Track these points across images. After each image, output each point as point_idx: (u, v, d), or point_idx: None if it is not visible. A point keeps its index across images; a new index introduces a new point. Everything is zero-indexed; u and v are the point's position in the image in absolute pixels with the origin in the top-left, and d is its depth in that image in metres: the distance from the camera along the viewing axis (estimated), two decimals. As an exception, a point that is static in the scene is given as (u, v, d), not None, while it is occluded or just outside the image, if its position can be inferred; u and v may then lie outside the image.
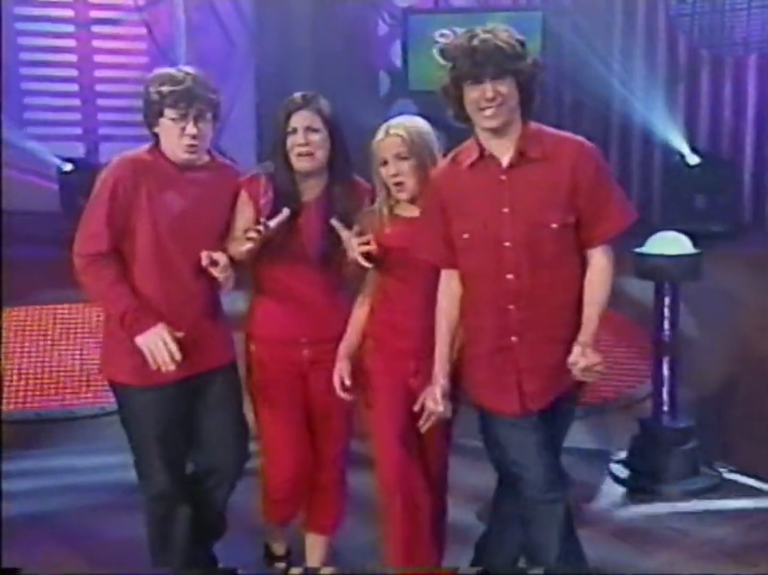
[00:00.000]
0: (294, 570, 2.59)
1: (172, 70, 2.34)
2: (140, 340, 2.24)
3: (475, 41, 2.04)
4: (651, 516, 3.16)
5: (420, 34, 6.08)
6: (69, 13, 6.07)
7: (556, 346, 2.14)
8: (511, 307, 2.13)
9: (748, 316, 4.17)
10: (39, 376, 4.26)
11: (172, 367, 2.23)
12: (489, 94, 2.03)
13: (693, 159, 5.39)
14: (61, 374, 4.26)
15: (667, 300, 3.42)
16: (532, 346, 2.15)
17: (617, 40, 5.94)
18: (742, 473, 3.45)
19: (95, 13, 6.14)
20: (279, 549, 2.67)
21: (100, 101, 6.19)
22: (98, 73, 6.18)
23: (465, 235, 2.15)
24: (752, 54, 5.67)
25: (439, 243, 2.21)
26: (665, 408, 3.46)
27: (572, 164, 2.09)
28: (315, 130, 2.33)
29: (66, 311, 4.35)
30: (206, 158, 2.39)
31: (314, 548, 2.61)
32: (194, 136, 2.28)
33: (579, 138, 2.16)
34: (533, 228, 2.09)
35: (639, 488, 3.30)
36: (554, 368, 2.14)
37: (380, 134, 2.28)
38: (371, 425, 2.38)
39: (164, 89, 2.26)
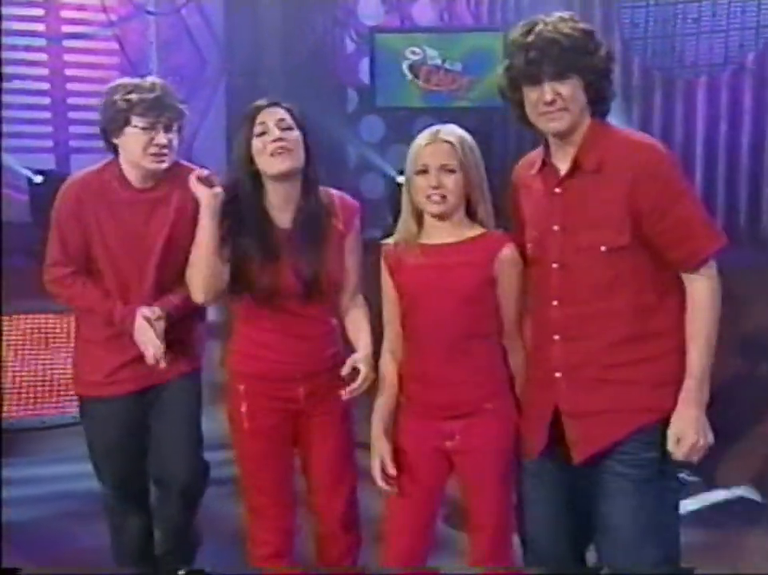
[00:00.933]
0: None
1: (137, 79, 2.22)
2: (136, 337, 2.20)
3: (530, 36, 1.74)
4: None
5: (386, 52, 6.09)
6: (40, 27, 5.96)
7: (608, 388, 1.76)
8: (556, 337, 1.81)
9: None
10: (9, 386, 4.17)
11: (163, 364, 2.18)
12: (548, 97, 1.73)
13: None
14: (32, 383, 4.17)
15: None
16: (575, 385, 1.80)
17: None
18: (700, 477, 3.50)
19: (67, 28, 6.03)
20: None
21: (72, 114, 6.07)
22: (70, 87, 6.07)
23: (529, 245, 1.87)
24: (701, 77, 5.78)
25: (516, 234, 1.90)
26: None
27: (631, 177, 1.72)
28: (289, 127, 2.03)
29: (37, 321, 4.26)
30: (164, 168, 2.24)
31: None
32: (163, 146, 2.16)
33: (648, 143, 1.77)
34: (580, 251, 1.77)
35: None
36: (598, 414, 1.77)
37: (425, 138, 1.89)
38: (393, 494, 1.99)
39: (133, 96, 2.14)
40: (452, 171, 1.87)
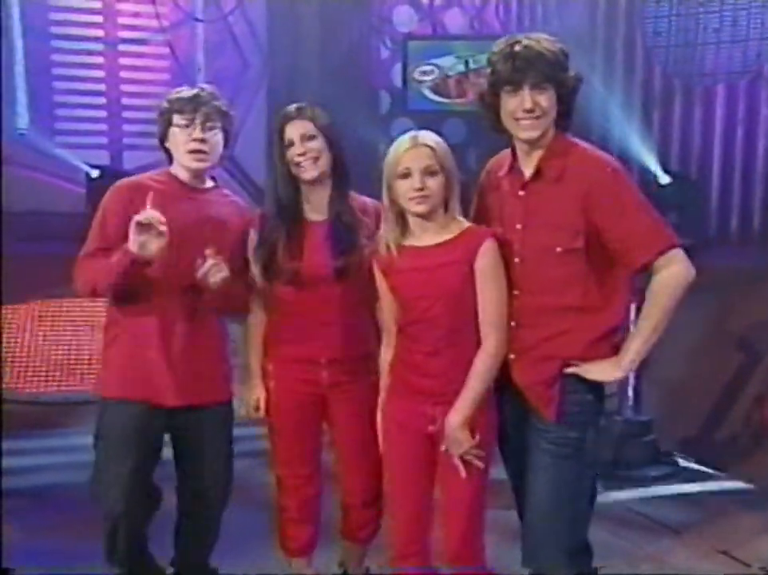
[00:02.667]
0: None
1: (186, 87, 2.24)
2: (132, 245, 2.01)
3: (517, 47, 1.82)
4: (613, 498, 3.28)
5: (418, 58, 6.16)
6: (99, 33, 6.19)
7: (553, 364, 1.89)
8: (512, 323, 1.93)
9: (708, 323, 4.27)
10: (63, 362, 4.37)
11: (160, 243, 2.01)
12: (528, 105, 1.81)
13: (664, 179, 5.49)
14: (81, 360, 4.35)
15: (631, 306, 3.53)
16: (524, 365, 1.93)
17: (598, 68, 6.03)
18: (697, 463, 3.56)
19: (123, 34, 6.25)
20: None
21: (125, 114, 6.29)
22: (124, 88, 6.28)
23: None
24: (719, 84, 5.78)
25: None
26: (629, 403, 3.58)
27: (586, 188, 1.82)
28: (311, 137, 2.14)
29: (90, 304, 4.43)
30: (210, 183, 2.24)
31: (350, 553, 2.44)
32: (201, 141, 2.13)
33: (605, 159, 1.88)
34: (539, 249, 1.88)
35: (604, 474, 3.41)
36: (545, 383, 1.90)
37: (405, 143, 1.91)
38: (384, 476, 2.09)
39: (174, 97, 2.19)
40: (434, 173, 1.89)
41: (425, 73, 5.48)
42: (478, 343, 1.94)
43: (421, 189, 1.87)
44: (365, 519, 2.33)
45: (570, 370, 1.87)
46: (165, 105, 2.18)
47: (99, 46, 6.17)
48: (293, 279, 2.14)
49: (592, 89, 5.90)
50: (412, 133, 1.94)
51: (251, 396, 2.26)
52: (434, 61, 5.42)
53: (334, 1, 6.34)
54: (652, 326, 1.83)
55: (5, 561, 2.41)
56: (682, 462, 3.56)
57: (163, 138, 2.21)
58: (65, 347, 4.40)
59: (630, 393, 3.59)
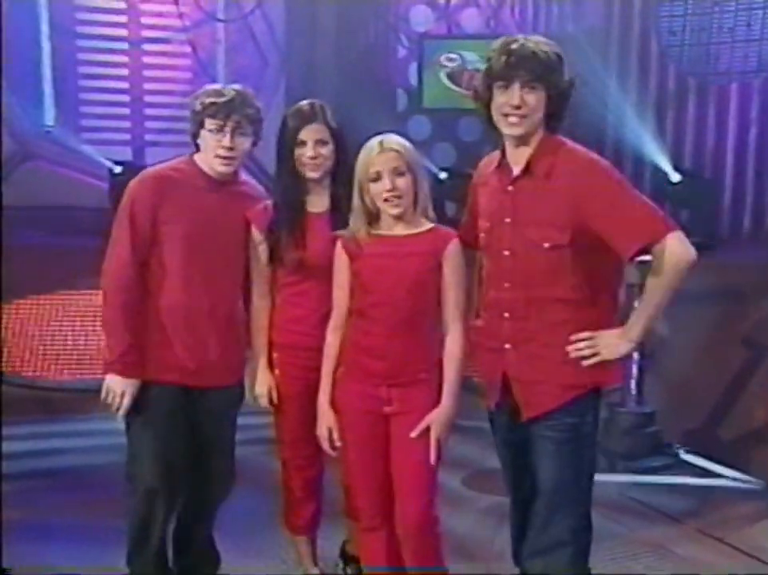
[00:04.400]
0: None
1: (220, 86, 2.31)
2: (110, 379, 2.18)
3: (513, 45, 1.89)
4: (615, 487, 3.36)
5: (434, 57, 6.26)
6: (123, 32, 6.37)
7: (546, 363, 1.94)
8: (506, 314, 1.98)
9: (714, 318, 4.33)
10: (87, 351, 4.52)
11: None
12: (515, 101, 1.87)
13: (675, 176, 5.55)
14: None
15: (635, 301, 3.61)
16: (521, 356, 1.97)
17: (613, 67, 6.10)
18: (696, 454, 3.64)
19: (146, 33, 6.43)
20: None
21: (148, 111, 6.47)
22: (147, 86, 6.46)
23: (482, 234, 2.05)
24: (733, 83, 5.81)
25: (466, 223, 2.12)
26: (632, 396, 3.67)
27: (574, 182, 1.88)
28: (325, 143, 2.25)
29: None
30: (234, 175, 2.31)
31: (353, 531, 2.47)
32: (229, 149, 2.19)
33: (591, 157, 1.93)
34: (527, 243, 1.93)
35: (607, 463, 3.46)
36: (538, 384, 1.96)
37: (373, 149, 2.06)
38: (344, 463, 2.19)
39: (207, 100, 2.21)
40: (402, 173, 2.03)
41: (450, 59, 5.88)
42: (429, 330, 2.08)
43: (392, 189, 2.03)
44: None
45: (575, 353, 1.90)
46: (198, 106, 2.22)
47: (123, 45, 6.35)
48: (297, 268, 2.26)
49: (607, 87, 5.98)
50: (378, 138, 2.08)
51: (262, 388, 2.35)
52: (461, 51, 5.82)
53: (351, 0, 6.45)
54: (654, 303, 1.87)
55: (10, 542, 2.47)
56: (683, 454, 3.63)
57: (194, 133, 2.26)
58: (88, 337, 4.54)
59: (633, 386, 3.67)
